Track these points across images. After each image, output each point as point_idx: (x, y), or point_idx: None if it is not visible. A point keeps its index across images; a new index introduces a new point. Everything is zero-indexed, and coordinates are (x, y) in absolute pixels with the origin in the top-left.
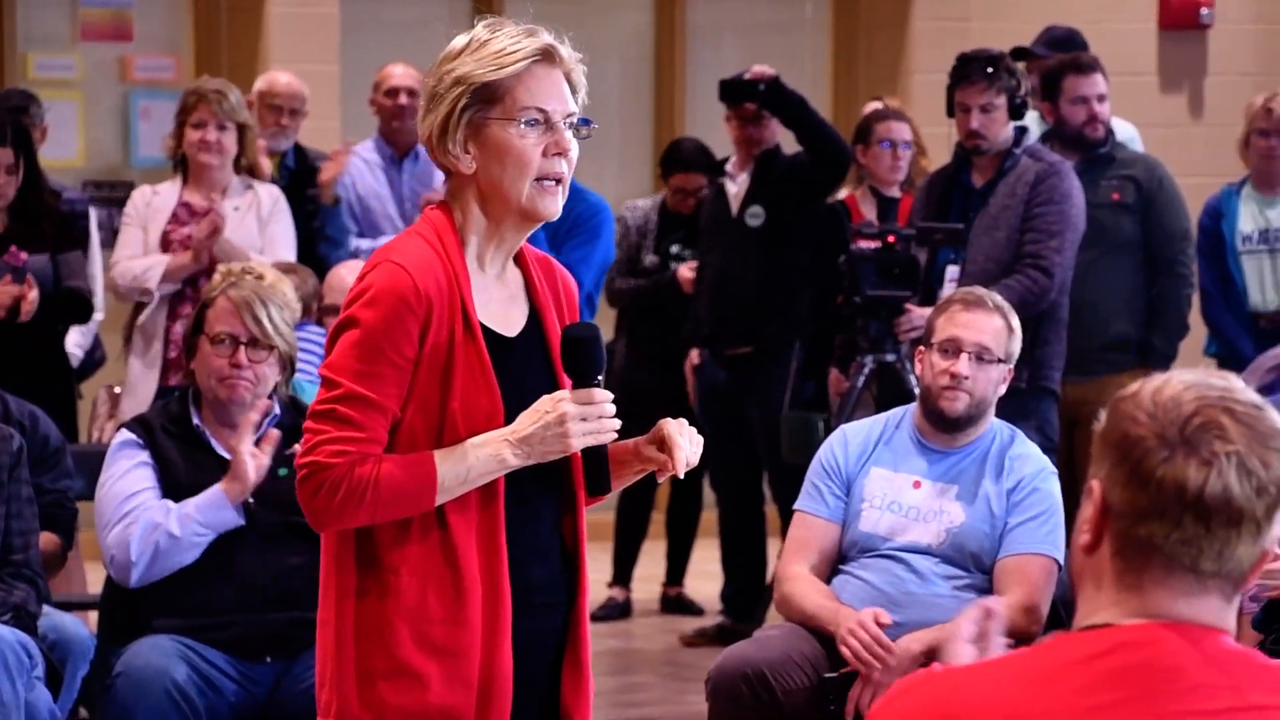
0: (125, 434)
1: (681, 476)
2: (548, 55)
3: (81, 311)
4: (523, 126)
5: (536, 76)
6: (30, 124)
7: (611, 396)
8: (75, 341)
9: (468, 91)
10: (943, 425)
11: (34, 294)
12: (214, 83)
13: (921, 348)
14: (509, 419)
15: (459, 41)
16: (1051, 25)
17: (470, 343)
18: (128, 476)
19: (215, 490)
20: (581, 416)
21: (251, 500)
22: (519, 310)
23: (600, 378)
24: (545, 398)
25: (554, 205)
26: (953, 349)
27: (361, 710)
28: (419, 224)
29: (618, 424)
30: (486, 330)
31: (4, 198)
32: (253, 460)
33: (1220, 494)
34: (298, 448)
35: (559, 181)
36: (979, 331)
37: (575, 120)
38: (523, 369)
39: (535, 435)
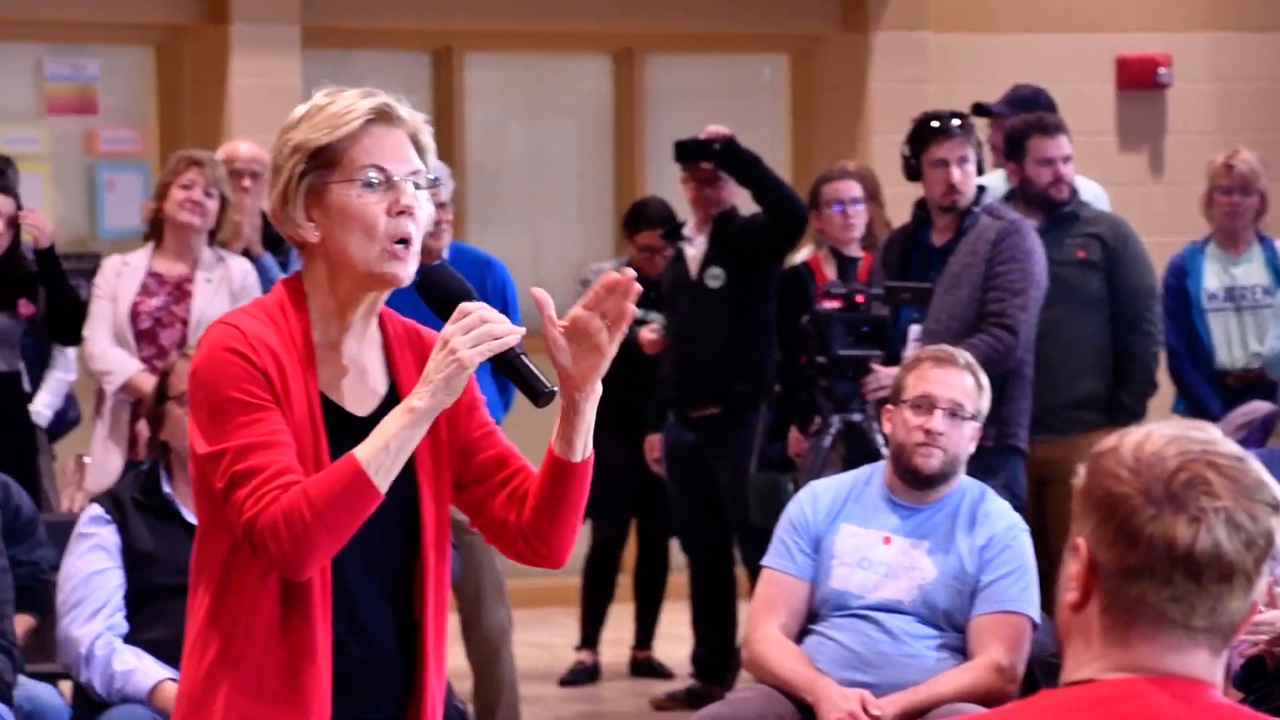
0: (95, 509)
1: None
2: (384, 115)
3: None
4: (362, 187)
5: (374, 136)
6: (9, 186)
7: (484, 306)
8: (45, 402)
9: (304, 157)
10: (916, 482)
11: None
12: (204, 153)
13: (889, 406)
14: None
15: (299, 110)
16: (1018, 84)
17: (308, 422)
18: (86, 557)
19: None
20: (461, 331)
21: None
22: (375, 387)
23: (467, 301)
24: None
25: (404, 269)
26: (926, 405)
27: None
28: (263, 296)
29: (515, 328)
30: (335, 408)
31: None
32: None
33: (1211, 550)
34: None
35: (407, 243)
36: (951, 388)
37: (424, 179)
38: None
39: (430, 372)
